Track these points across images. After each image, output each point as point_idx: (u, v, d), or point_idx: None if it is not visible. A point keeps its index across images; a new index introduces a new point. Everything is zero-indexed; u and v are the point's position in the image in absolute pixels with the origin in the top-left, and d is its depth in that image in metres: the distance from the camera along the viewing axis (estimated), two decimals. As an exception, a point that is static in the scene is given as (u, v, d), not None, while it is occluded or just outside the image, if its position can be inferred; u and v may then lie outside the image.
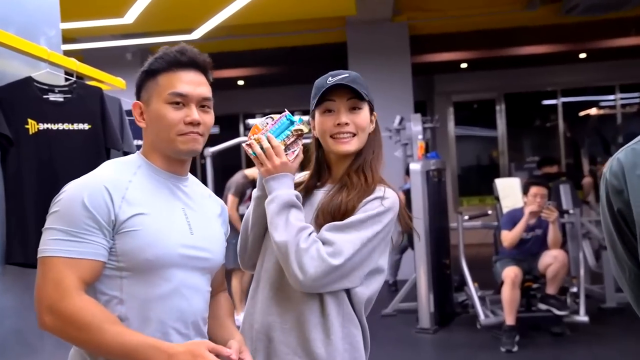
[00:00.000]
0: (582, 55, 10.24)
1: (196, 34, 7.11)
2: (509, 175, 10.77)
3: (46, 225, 1.35)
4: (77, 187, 1.37)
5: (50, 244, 1.32)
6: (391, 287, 7.00)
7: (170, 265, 1.39)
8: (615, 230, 1.32)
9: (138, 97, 1.47)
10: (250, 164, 6.01)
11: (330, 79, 1.65)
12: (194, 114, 1.41)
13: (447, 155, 11.16)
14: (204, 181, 7.31)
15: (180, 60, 1.43)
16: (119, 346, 1.29)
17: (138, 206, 1.37)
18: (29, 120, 2.18)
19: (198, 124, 1.41)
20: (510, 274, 4.97)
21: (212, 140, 10.59)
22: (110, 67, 8.49)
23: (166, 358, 1.28)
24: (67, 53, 2.57)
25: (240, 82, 11.11)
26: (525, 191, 5.30)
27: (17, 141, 2.16)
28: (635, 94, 11.32)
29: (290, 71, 10.40)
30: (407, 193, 5.93)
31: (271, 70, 10.36)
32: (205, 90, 1.45)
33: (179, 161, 1.48)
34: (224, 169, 9.19)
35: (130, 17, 6.34)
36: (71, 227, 1.32)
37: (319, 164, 1.72)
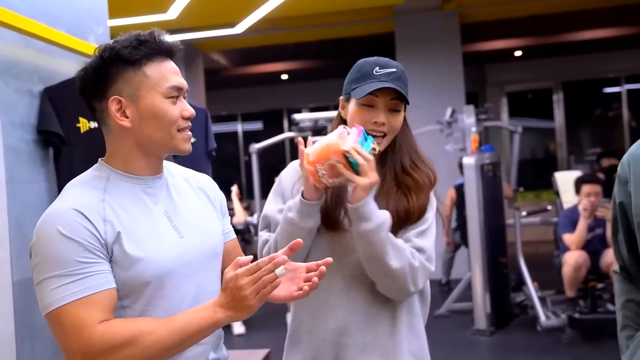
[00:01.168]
0: (646, 41, 9.98)
1: (239, 28, 7.19)
2: (568, 168, 10.57)
3: (36, 279, 1.23)
4: (45, 226, 1.24)
5: (53, 295, 1.20)
6: (444, 287, 6.98)
7: (169, 280, 1.30)
8: (618, 222, 1.43)
9: (106, 91, 1.30)
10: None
11: (377, 69, 1.63)
12: (189, 107, 1.35)
13: (501, 149, 11.03)
14: (249, 178, 7.39)
15: (163, 48, 1.33)
16: (174, 334, 1.22)
17: (120, 226, 1.26)
18: (80, 119, 2.25)
19: (191, 117, 1.34)
20: (570, 257, 4.97)
21: (256, 136, 10.76)
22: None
23: (215, 311, 1.23)
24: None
25: (284, 77, 11.19)
26: (577, 189, 5.21)
27: (69, 140, 2.23)
28: None
29: (335, 64, 10.40)
30: (460, 188, 5.90)
31: (316, 63, 10.41)
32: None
33: (159, 160, 1.38)
34: (269, 167, 9.29)
35: (173, 12, 6.45)
36: (64, 269, 1.20)
37: None
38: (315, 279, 1.31)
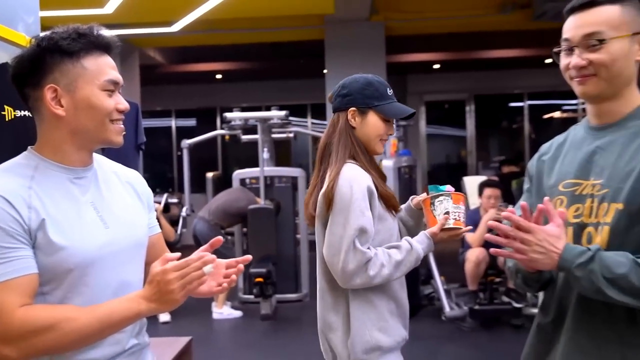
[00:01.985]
0: (548, 61, 10.37)
1: (176, 27, 7.02)
2: (476, 173, 10.88)
3: None
4: None
5: None
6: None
7: (92, 268, 1.26)
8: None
9: (40, 79, 1.25)
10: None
11: (388, 90, 1.93)
12: (124, 100, 1.33)
13: (417, 153, 11.24)
14: (181, 173, 7.26)
15: (101, 43, 1.30)
16: (95, 322, 1.19)
17: (45, 214, 1.21)
18: (6, 107, 2.12)
19: (125, 111, 1.33)
20: (471, 254, 5.13)
21: (190, 132, 10.51)
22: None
23: (139, 303, 1.22)
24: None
25: (219, 76, 11.02)
26: (480, 192, 5.40)
27: (-7, 128, 2.10)
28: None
29: (269, 67, 10.35)
30: (379, 188, 5.96)
31: (250, 65, 10.31)
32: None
33: (90, 151, 1.34)
34: (200, 162, 9.14)
35: (110, 7, 6.23)
36: None
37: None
38: (234, 276, 1.33)
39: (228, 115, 6.08)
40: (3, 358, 1.16)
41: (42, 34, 1.29)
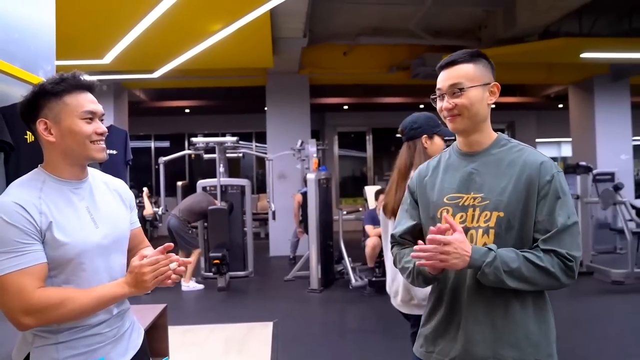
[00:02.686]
0: (422, 106, 10.82)
1: (157, 74, 6.82)
2: (374, 183, 11.15)
3: None
4: None
5: None
6: (291, 261, 7.01)
7: (86, 258, 1.23)
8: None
9: (36, 115, 1.23)
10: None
11: (436, 119, 1.95)
12: (102, 126, 1.27)
13: (332, 169, 11.37)
14: (158, 182, 7.06)
15: (81, 84, 1.26)
16: (92, 301, 1.19)
17: (52, 216, 1.19)
18: (28, 132, 2.04)
19: (104, 134, 1.27)
20: (369, 242, 5.22)
21: (165, 152, 10.17)
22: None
23: (124, 287, 1.22)
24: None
25: (187, 110, 10.76)
26: (376, 197, 5.55)
27: (17, 147, 2.01)
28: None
29: (225, 104, 10.23)
30: (305, 195, 6.03)
31: (211, 102, 10.12)
32: (101, 107, 1.30)
33: (82, 167, 1.29)
34: (172, 174, 8.88)
35: (108, 58, 5.99)
36: (6, 247, 1.13)
37: None
38: (174, 276, 1.29)
39: (194, 139, 5.96)
40: (24, 325, 1.15)
41: (37, 83, 1.26)
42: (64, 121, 1.22)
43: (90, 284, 1.23)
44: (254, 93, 8.71)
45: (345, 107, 10.89)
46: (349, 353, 3.71)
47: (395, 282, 2.01)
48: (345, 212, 6.07)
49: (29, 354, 1.21)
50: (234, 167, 9.77)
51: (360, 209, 6.73)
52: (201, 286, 5.85)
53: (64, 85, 1.23)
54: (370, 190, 6.47)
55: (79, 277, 1.22)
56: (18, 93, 1.98)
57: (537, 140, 12.15)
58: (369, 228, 5.42)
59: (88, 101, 1.26)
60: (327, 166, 11.13)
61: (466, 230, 1.28)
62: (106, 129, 1.28)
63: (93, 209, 1.28)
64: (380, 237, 5.32)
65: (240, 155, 6.60)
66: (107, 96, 7.55)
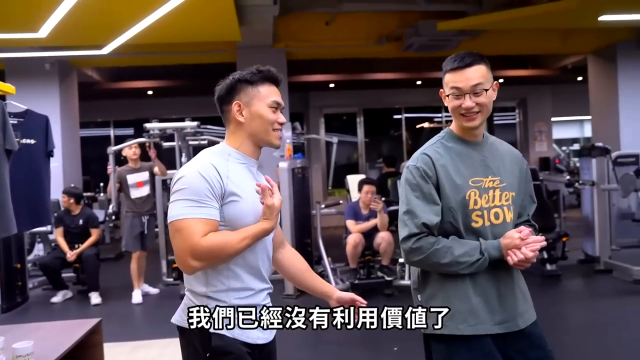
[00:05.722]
0: (419, 82, 10.70)
1: (106, 50, 6.63)
2: (366, 172, 11.05)
3: (174, 198, 1.46)
4: (193, 169, 1.48)
5: (183, 211, 1.43)
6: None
7: (251, 218, 1.52)
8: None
9: (231, 98, 1.57)
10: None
11: None
12: (283, 117, 1.61)
13: (318, 156, 11.25)
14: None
15: (273, 77, 1.60)
16: (246, 239, 1.48)
17: (236, 184, 1.50)
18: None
19: (284, 124, 1.61)
20: (350, 239, 5.17)
21: (126, 140, 10.04)
22: (30, 75, 7.79)
23: (263, 223, 1.52)
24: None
25: (150, 92, 10.58)
26: (359, 188, 5.44)
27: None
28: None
29: (192, 84, 10.04)
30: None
31: (177, 83, 9.95)
32: (283, 102, 1.63)
33: (259, 149, 1.61)
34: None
35: (43, 32, 5.79)
36: (196, 197, 1.44)
37: None
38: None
39: (147, 125, 5.79)
40: (192, 268, 1.44)
41: (235, 73, 1.59)
42: (254, 106, 1.56)
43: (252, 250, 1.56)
44: (224, 71, 8.45)
45: (332, 85, 10.79)
46: (320, 369, 3.61)
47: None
48: (323, 206, 5.93)
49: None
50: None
51: (341, 201, 6.59)
52: (156, 290, 5.76)
53: (260, 76, 1.58)
54: (353, 180, 6.35)
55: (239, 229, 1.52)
56: None
57: (552, 119, 12.03)
58: (350, 223, 5.32)
59: (276, 93, 1.60)
60: (313, 153, 11.03)
61: (491, 209, 1.63)
62: (285, 120, 1.61)
63: (253, 183, 1.57)
64: (363, 233, 5.24)
65: (205, 142, 6.43)
66: (51, 76, 7.34)
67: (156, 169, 5.66)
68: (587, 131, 12.65)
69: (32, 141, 3.14)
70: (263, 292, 1.61)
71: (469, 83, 1.58)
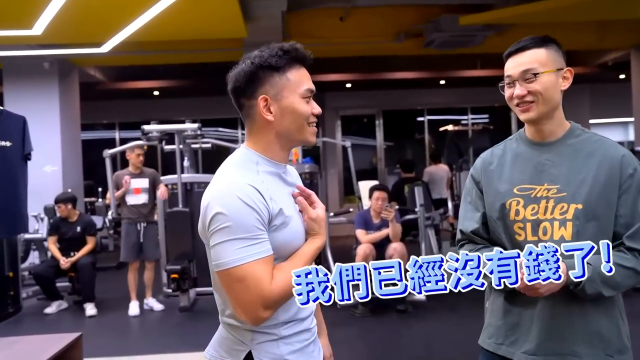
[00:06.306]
0: (442, 82, 10.39)
1: (105, 47, 6.52)
2: (385, 178, 10.79)
3: (219, 240, 1.19)
4: (230, 197, 1.19)
5: (238, 254, 1.17)
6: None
7: (300, 242, 1.31)
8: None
9: (254, 90, 1.27)
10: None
11: None
12: (318, 106, 1.33)
13: (334, 161, 11.02)
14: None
15: (300, 57, 1.29)
16: (307, 265, 1.21)
17: (278, 202, 1.24)
18: None
19: (319, 114, 1.33)
20: (360, 249, 4.91)
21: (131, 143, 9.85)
22: (29, 74, 7.72)
23: (315, 240, 1.30)
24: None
25: (156, 93, 10.52)
26: (370, 195, 5.18)
27: None
28: (483, 115, 11.65)
29: (201, 85, 9.92)
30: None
31: (183, 83, 9.85)
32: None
33: (289, 151, 1.36)
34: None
35: (38, 29, 5.69)
36: (248, 233, 1.18)
37: None
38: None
39: (145, 127, 5.64)
40: (262, 319, 1.20)
41: (252, 53, 1.29)
42: (285, 99, 1.27)
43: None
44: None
45: (348, 85, 10.61)
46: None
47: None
48: (332, 214, 5.69)
49: (246, 354, 1.27)
50: (211, 161, 9.48)
51: (352, 209, 6.33)
52: (160, 306, 5.58)
53: (286, 58, 1.26)
54: (364, 186, 6.11)
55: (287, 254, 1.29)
56: None
57: (590, 121, 11.53)
58: (360, 233, 5.07)
59: (307, 77, 1.31)
60: (329, 158, 10.81)
61: (539, 222, 1.44)
62: (320, 109, 1.32)
63: (289, 195, 1.33)
64: (374, 244, 4.97)
65: (208, 146, 6.26)
66: (50, 76, 7.27)
67: (159, 193, 5.43)
68: (632, 134, 12.10)
69: (8, 143, 3.02)
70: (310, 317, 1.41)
71: (519, 69, 1.48)
